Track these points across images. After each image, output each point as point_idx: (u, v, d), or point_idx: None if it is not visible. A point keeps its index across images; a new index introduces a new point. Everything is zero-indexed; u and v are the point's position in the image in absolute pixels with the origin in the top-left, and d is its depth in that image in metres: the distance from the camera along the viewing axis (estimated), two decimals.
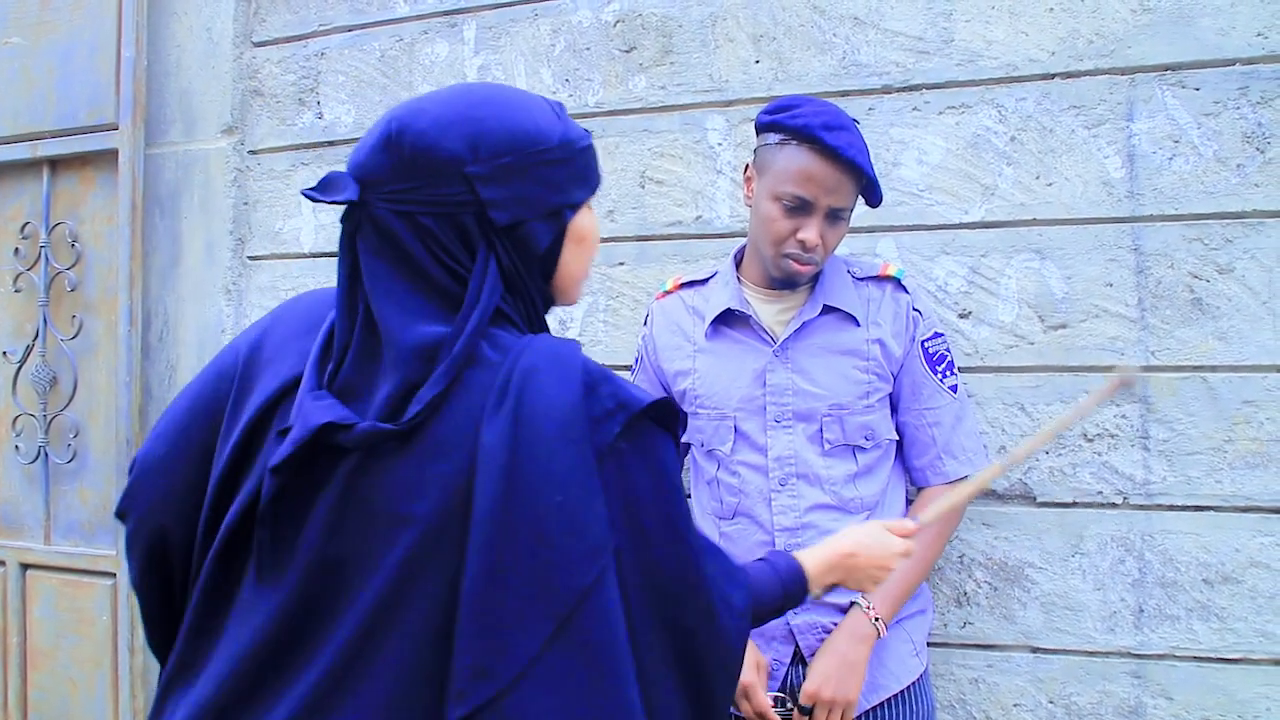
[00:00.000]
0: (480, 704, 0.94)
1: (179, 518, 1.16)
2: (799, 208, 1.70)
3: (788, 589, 1.33)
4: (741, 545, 1.82)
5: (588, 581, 0.97)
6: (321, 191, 1.06)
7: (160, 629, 1.22)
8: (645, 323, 2.00)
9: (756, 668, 1.76)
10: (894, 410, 1.85)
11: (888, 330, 1.81)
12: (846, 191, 1.71)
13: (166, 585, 1.19)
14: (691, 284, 1.96)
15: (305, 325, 1.16)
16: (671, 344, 1.91)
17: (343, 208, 1.08)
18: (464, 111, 1.07)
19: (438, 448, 1.01)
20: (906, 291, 1.84)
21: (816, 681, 1.71)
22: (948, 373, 1.84)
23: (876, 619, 1.74)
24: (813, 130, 1.67)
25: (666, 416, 1.07)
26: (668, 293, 1.98)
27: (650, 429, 1.05)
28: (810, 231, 1.70)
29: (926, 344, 1.83)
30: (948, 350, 1.85)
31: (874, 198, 1.77)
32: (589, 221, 1.16)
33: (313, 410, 1.03)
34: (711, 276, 1.93)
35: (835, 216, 1.72)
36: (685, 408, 1.89)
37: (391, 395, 1.03)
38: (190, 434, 1.17)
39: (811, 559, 1.40)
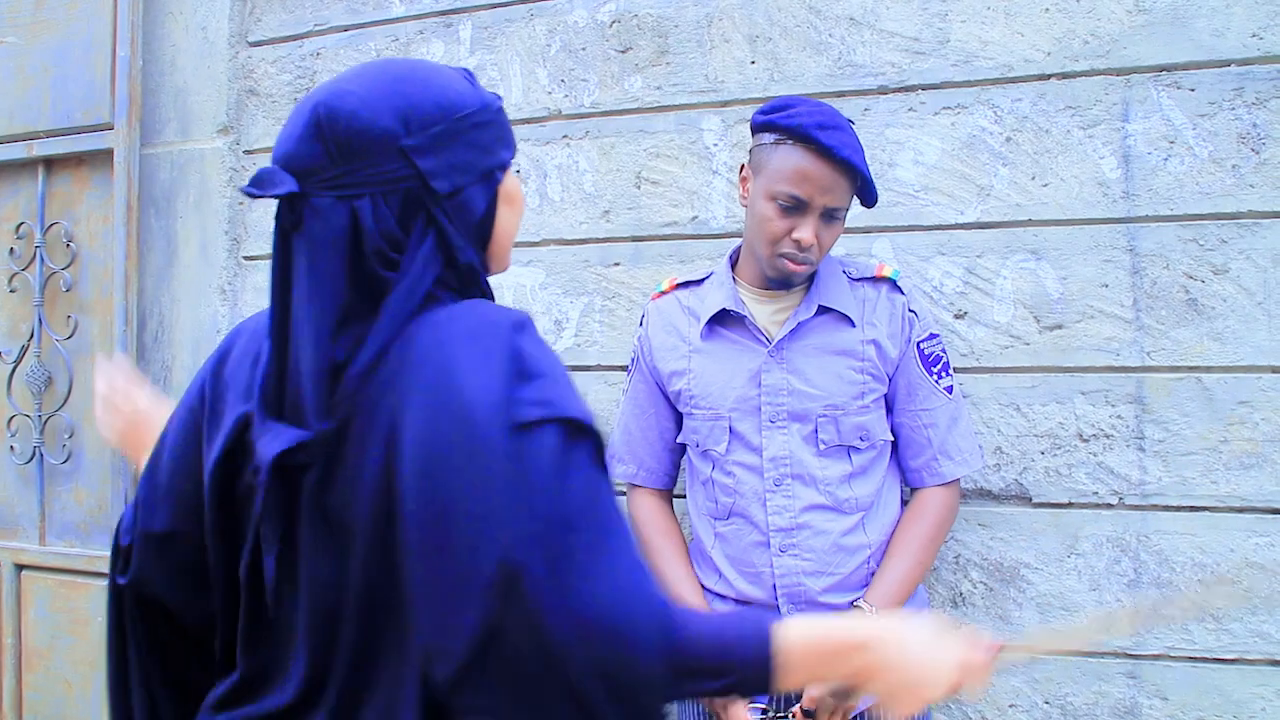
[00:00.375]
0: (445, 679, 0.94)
1: (184, 586, 1.18)
2: (794, 207, 1.70)
3: (740, 650, 1.00)
4: (737, 546, 1.82)
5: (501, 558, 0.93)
6: (258, 187, 1.03)
7: (121, 690, 1.24)
8: (641, 323, 2.00)
9: None
10: (889, 411, 1.85)
11: (883, 331, 1.81)
12: (842, 191, 1.71)
13: (139, 646, 1.22)
14: (687, 284, 1.96)
15: (257, 346, 1.15)
16: (667, 344, 1.91)
17: (276, 206, 1.07)
18: (388, 87, 1.06)
19: (363, 444, 1.01)
20: (902, 292, 1.85)
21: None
22: (943, 373, 1.84)
23: (872, 612, 1.74)
24: (808, 130, 1.68)
25: (590, 433, 0.99)
26: (663, 293, 1.98)
27: (566, 435, 0.97)
28: (806, 231, 1.70)
29: (922, 345, 1.83)
30: (943, 351, 1.85)
31: (869, 198, 1.77)
32: (514, 183, 1.16)
33: (265, 445, 1.03)
34: (707, 277, 1.93)
35: (830, 216, 1.72)
36: (681, 408, 1.90)
37: (319, 392, 1.02)
38: (185, 498, 1.17)
39: (801, 635, 1.03)
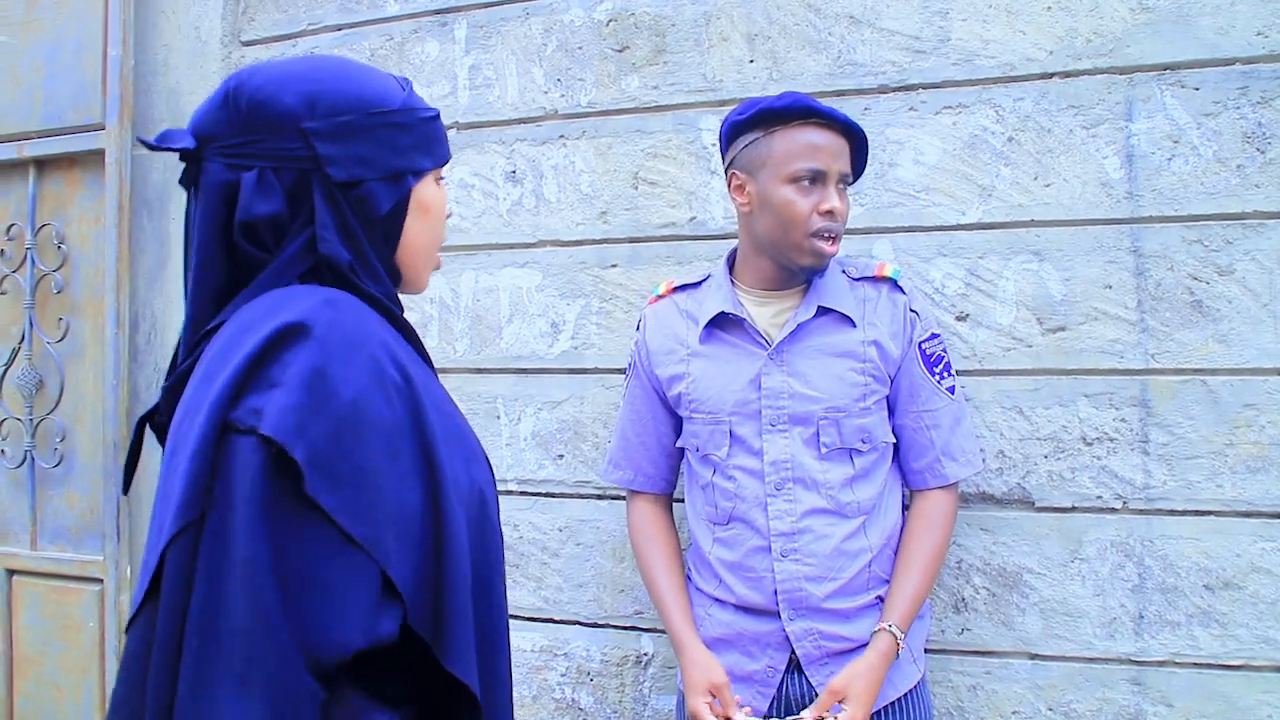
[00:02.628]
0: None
1: None
2: (814, 180, 1.72)
3: None
4: (737, 551, 1.80)
5: (166, 540, 0.92)
6: (160, 141, 1.07)
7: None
8: (638, 328, 1.97)
9: (709, 689, 1.76)
10: (891, 412, 1.83)
11: (884, 331, 1.79)
12: (846, 156, 1.76)
13: None
14: (684, 287, 1.94)
15: None
16: (665, 348, 1.89)
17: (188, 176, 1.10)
18: (303, 72, 1.09)
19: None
20: (903, 292, 1.83)
21: (845, 679, 1.70)
22: (945, 374, 1.82)
23: (900, 636, 1.74)
24: (803, 103, 1.73)
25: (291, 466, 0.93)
26: (659, 297, 1.96)
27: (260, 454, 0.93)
28: (833, 199, 1.73)
29: (924, 345, 1.80)
30: (945, 351, 1.83)
31: (861, 163, 1.81)
32: (434, 195, 1.16)
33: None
34: (704, 280, 1.91)
35: (844, 183, 1.77)
36: (681, 412, 1.87)
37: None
38: None
39: None
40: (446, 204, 1.20)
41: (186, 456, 0.93)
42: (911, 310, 1.82)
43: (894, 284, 1.83)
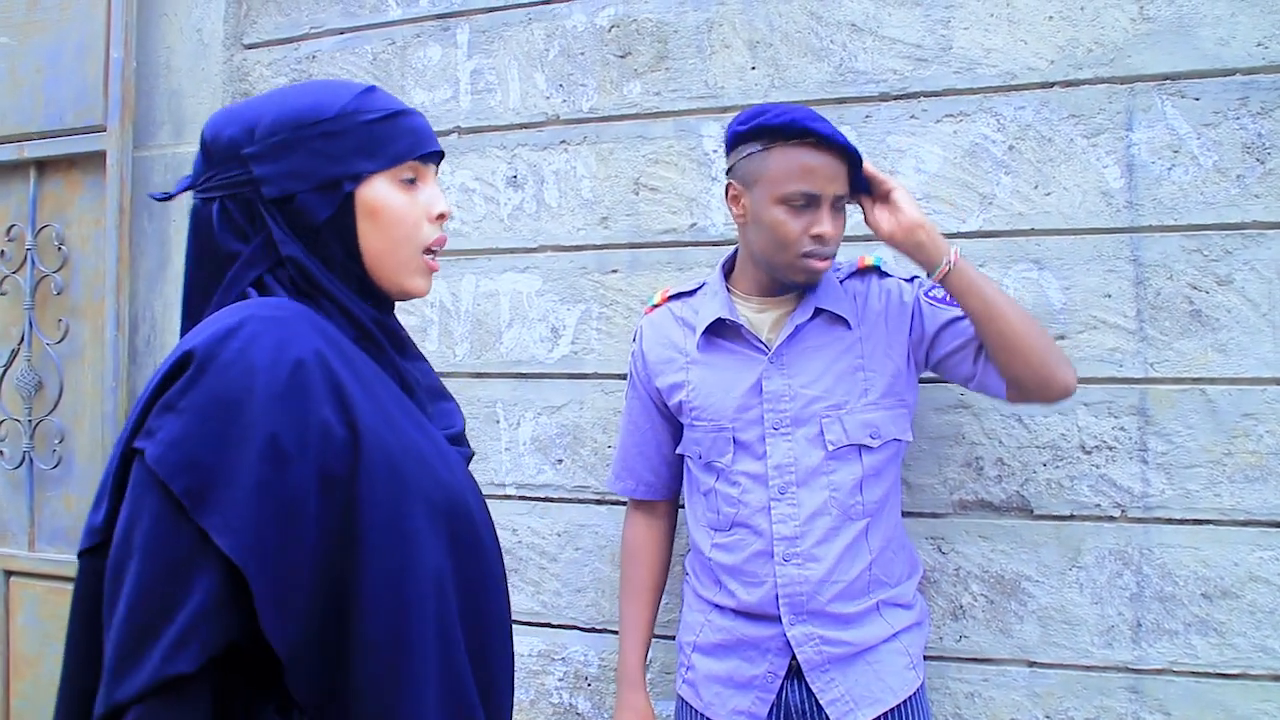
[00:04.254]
0: None
1: None
2: (807, 204, 1.69)
3: None
4: (739, 556, 1.79)
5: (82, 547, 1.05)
6: (170, 193, 1.21)
7: None
8: (634, 340, 1.97)
9: None
10: (934, 348, 1.80)
11: (880, 322, 1.79)
12: (843, 178, 1.71)
13: None
14: (679, 295, 1.94)
15: None
16: (663, 358, 1.89)
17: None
18: (255, 103, 1.16)
19: None
20: (890, 275, 1.83)
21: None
22: (955, 305, 1.78)
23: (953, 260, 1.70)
24: (802, 123, 1.67)
25: (178, 493, 0.96)
26: (655, 306, 1.96)
27: (151, 485, 0.97)
28: (825, 224, 1.69)
29: (930, 294, 1.80)
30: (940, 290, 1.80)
31: (861, 181, 1.74)
32: (382, 195, 1.16)
33: None
34: (699, 287, 1.91)
35: (838, 206, 1.72)
36: (682, 420, 1.87)
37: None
38: None
39: None
40: (400, 205, 1.18)
41: (106, 478, 1.03)
42: (904, 281, 1.82)
43: (879, 272, 1.84)
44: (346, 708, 1.00)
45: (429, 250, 1.21)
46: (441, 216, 1.22)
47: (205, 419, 0.96)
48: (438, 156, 1.24)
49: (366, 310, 1.17)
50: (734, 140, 1.76)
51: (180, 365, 0.99)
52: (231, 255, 1.12)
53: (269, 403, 0.98)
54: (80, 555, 1.01)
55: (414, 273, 1.20)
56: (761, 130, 1.71)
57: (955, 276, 1.69)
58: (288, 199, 1.12)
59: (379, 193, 1.16)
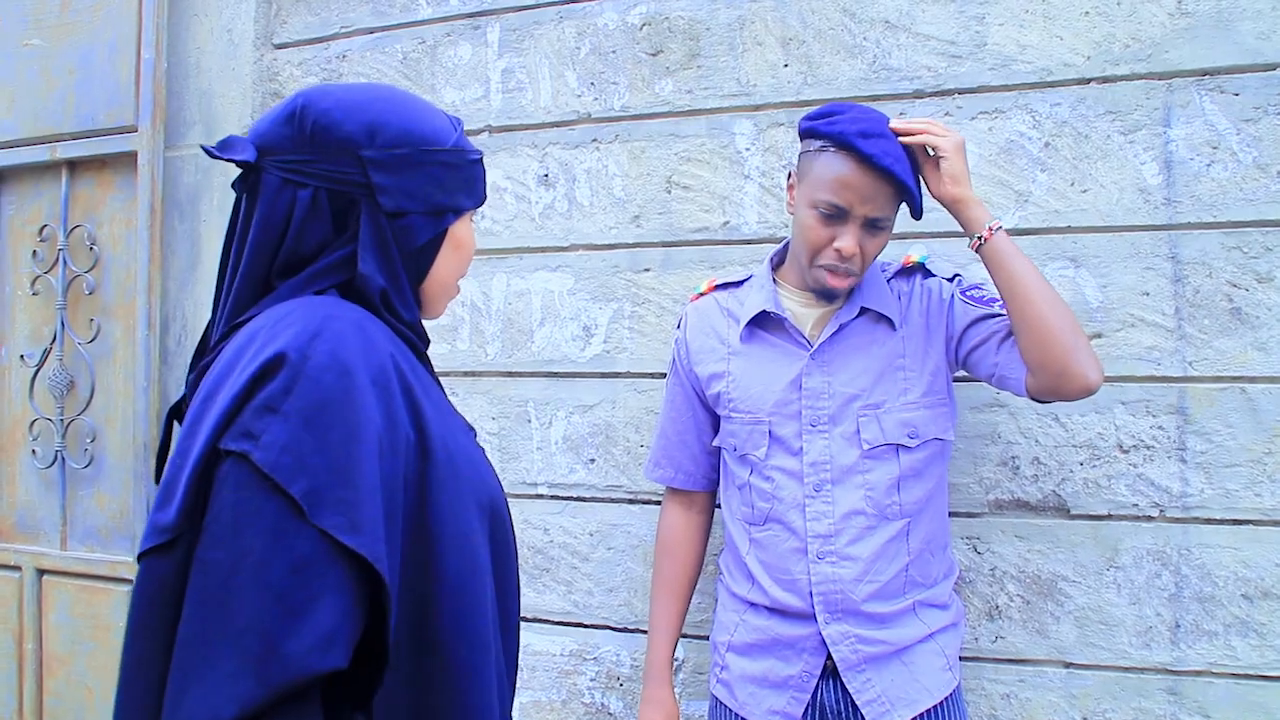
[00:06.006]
0: None
1: None
2: (835, 216, 1.67)
3: None
4: (773, 552, 1.79)
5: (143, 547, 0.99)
6: (221, 150, 1.12)
7: None
8: (679, 326, 1.97)
9: None
10: (962, 343, 1.77)
11: (919, 323, 1.78)
12: (883, 200, 1.67)
13: None
14: (726, 286, 1.93)
15: None
16: (705, 346, 1.89)
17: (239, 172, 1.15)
18: (369, 103, 1.14)
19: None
20: (933, 275, 1.82)
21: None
22: (994, 303, 1.76)
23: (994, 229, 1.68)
24: (848, 138, 1.64)
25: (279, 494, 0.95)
26: (701, 295, 1.95)
27: (261, 487, 0.95)
28: (847, 240, 1.67)
29: (968, 293, 1.78)
30: (992, 291, 1.77)
31: (915, 209, 1.72)
32: (467, 232, 1.23)
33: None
34: (746, 279, 1.91)
35: (873, 226, 1.68)
36: (719, 411, 1.87)
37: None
38: None
39: None
40: (473, 243, 1.26)
41: (185, 476, 0.98)
42: (944, 280, 1.81)
43: (924, 270, 1.83)
44: (415, 703, 1.02)
45: None
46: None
47: (312, 422, 0.96)
48: None
49: (421, 332, 1.22)
50: (800, 132, 1.75)
51: (273, 366, 0.98)
52: (313, 249, 1.12)
53: (368, 405, 0.99)
54: (145, 555, 0.99)
55: (449, 300, 1.27)
56: (817, 131, 1.70)
57: (989, 249, 1.67)
58: (399, 214, 1.13)
59: (464, 228, 1.22)
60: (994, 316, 1.75)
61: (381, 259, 1.13)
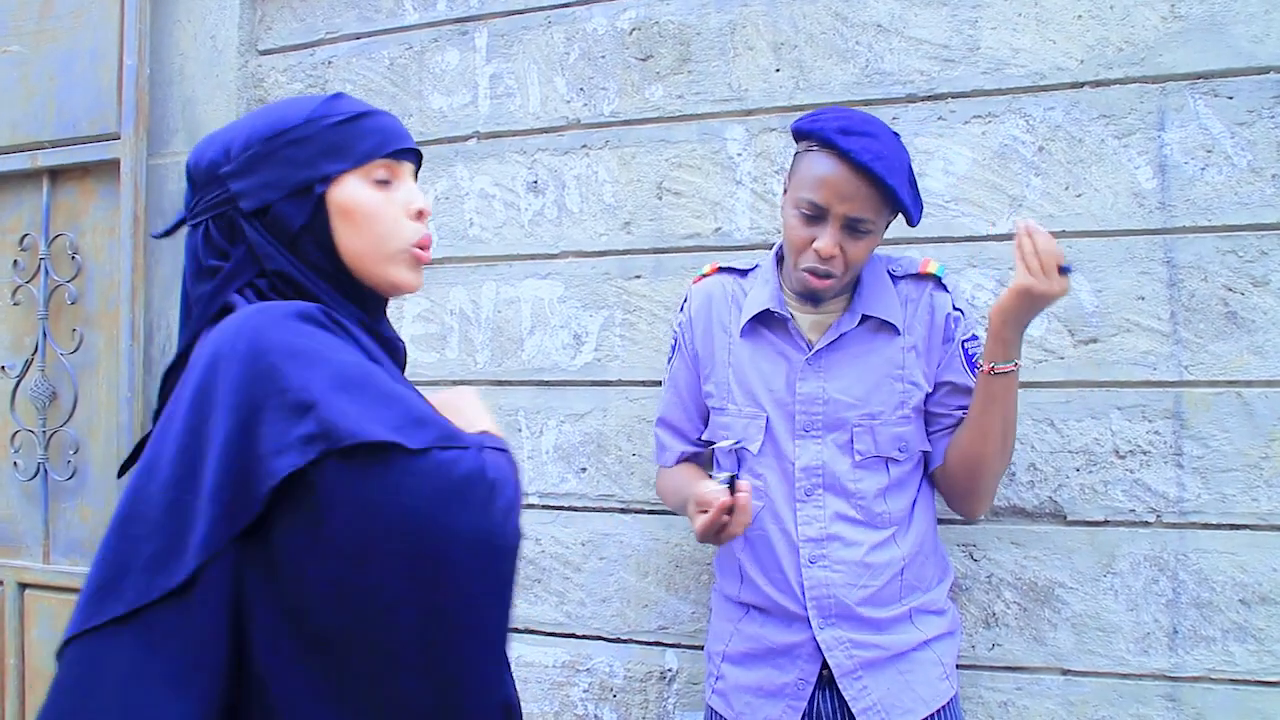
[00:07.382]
0: None
1: None
2: (815, 216, 1.65)
3: None
4: (765, 552, 1.77)
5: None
6: (170, 228, 1.27)
7: None
8: (682, 308, 1.94)
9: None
10: (926, 401, 1.78)
11: (921, 335, 1.76)
12: (864, 201, 1.63)
13: None
14: (730, 270, 1.90)
15: None
16: (710, 330, 1.87)
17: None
18: (231, 126, 1.19)
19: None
20: (947, 290, 1.79)
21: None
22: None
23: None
24: (827, 134, 1.62)
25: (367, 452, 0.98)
26: (705, 276, 1.93)
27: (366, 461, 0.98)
28: (825, 240, 1.64)
29: (967, 346, 1.77)
30: (980, 350, 1.77)
31: (909, 216, 1.69)
32: (352, 194, 1.17)
33: None
34: (752, 269, 1.88)
35: (854, 228, 1.65)
36: (713, 403, 1.85)
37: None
38: None
39: None
40: (372, 202, 1.18)
41: (206, 497, 1.00)
42: (955, 309, 1.78)
43: (938, 282, 1.79)
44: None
45: (418, 247, 1.22)
46: (421, 214, 1.22)
47: (335, 386, 1.00)
48: (414, 156, 1.25)
49: (354, 312, 1.18)
50: (792, 134, 1.74)
51: (213, 366, 1.02)
52: (214, 272, 1.14)
53: (314, 333, 1.05)
54: (149, 606, 1.00)
55: (400, 265, 1.20)
56: (802, 130, 1.69)
57: (994, 380, 1.68)
58: (264, 210, 1.14)
59: (349, 192, 1.16)
60: (966, 397, 1.77)
61: (272, 258, 1.14)
